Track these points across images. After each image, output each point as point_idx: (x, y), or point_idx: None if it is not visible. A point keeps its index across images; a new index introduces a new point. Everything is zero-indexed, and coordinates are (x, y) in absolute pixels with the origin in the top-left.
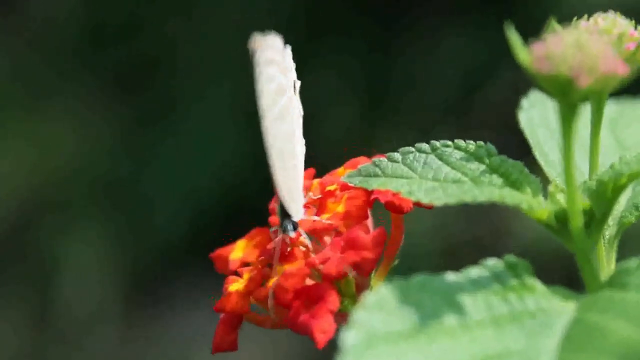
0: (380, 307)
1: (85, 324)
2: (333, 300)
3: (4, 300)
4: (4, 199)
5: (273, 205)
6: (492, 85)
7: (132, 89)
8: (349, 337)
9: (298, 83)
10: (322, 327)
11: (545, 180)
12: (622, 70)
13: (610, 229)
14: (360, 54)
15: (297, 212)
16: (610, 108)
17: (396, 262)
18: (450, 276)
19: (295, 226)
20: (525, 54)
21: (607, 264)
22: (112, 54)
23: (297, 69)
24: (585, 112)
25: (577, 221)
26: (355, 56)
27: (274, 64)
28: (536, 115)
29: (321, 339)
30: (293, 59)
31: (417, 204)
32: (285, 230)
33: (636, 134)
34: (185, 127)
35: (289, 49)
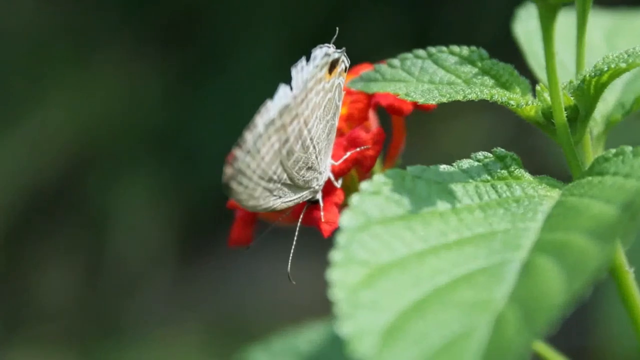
0: (376, 193)
1: (138, 273)
2: (338, 194)
3: (58, 250)
4: (56, 151)
5: None
6: None
7: (180, 40)
8: (346, 219)
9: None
10: (328, 218)
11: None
12: None
13: (598, 127)
14: (403, 3)
15: (316, 190)
16: (608, 20)
17: (399, 162)
18: (444, 167)
19: (315, 202)
20: None
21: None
22: (159, 5)
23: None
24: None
25: (561, 116)
26: (398, 5)
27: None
28: (532, 26)
29: (326, 228)
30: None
31: (416, 106)
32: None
33: (631, 44)
34: (233, 77)
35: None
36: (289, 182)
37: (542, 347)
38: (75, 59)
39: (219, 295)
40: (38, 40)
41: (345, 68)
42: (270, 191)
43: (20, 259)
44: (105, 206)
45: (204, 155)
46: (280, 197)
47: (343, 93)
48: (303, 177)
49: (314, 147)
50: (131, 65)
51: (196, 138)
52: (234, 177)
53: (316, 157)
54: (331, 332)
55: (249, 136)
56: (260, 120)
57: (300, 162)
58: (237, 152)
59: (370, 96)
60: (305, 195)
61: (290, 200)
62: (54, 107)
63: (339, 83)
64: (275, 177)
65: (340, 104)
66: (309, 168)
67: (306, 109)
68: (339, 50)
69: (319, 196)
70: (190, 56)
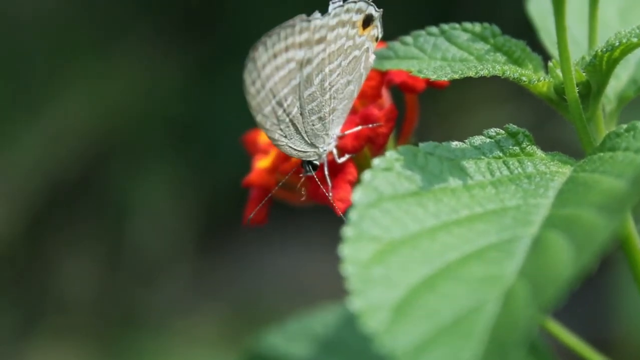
0: (388, 169)
1: (158, 263)
2: (351, 172)
3: (78, 240)
4: (77, 141)
5: None
6: None
7: (200, 30)
8: (357, 195)
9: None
10: (341, 196)
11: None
12: None
13: (610, 104)
14: None
15: (319, 154)
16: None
17: (412, 140)
18: (456, 143)
19: (315, 167)
20: None
21: None
22: None
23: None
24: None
25: (572, 92)
26: None
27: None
28: (545, 3)
29: (340, 206)
30: None
31: (429, 84)
32: (306, 172)
33: None
34: None
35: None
36: (296, 123)
37: (568, 337)
38: (96, 49)
39: (239, 285)
40: (59, 30)
41: (377, 36)
42: (278, 121)
43: (41, 248)
44: (126, 196)
45: (223, 145)
46: (286, 136)
47: (371, 64)
48: (312, 124)
49: (330, 96)
50: (151, 55)
51: (216, 127)
52: (252, 59)
53: (329, 112)
54: (346, 313)
55: (281, 32)
56: (298, 24)
57: (315, 103)
58: (261, 41)
59: (383, 74)
60: (310, 154)
61: (295, 149)
62: (75, 97)
63: (368, 47)
64: (284, 105)
65: (364, 73)
66: (320, 118)
67: (333, 42)
68: (378, 9)
69: (321, 160)
70: (210, 45)
